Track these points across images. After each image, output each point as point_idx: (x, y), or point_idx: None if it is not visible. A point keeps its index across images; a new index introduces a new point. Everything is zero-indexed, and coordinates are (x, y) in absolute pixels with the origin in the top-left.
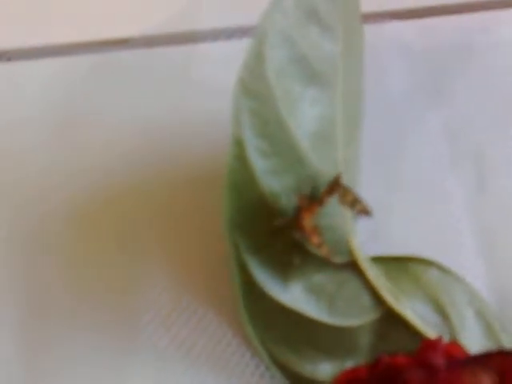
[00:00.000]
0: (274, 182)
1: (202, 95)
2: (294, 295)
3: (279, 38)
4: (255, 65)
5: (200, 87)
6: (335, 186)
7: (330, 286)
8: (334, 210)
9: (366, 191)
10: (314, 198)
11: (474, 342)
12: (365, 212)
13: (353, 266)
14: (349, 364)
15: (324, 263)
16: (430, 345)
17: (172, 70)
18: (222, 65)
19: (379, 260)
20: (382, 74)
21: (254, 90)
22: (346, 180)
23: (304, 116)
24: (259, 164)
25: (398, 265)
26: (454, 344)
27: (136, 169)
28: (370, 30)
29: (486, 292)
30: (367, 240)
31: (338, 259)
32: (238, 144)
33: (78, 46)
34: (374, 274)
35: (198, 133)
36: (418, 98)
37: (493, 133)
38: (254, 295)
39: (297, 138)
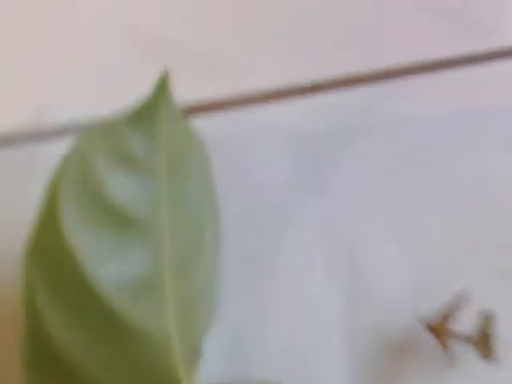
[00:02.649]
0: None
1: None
2: None
3: (76, 187)
4: (48, 219)
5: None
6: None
7: None
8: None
9: (233, 307)
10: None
11: None
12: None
13: None
14: None
15: None
16: None
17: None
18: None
19: None
20: (253, 165)
21: (48, 247)
22: (182, 324)
23: (118, 268)
24: (64, 338)
25: None
26: None
27: None
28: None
29: None
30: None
31: None
32: (32, 317)
33: None
34: None
35: None
36: (293, 190)
37: (366, 227)
38: None
39: (107, 293)
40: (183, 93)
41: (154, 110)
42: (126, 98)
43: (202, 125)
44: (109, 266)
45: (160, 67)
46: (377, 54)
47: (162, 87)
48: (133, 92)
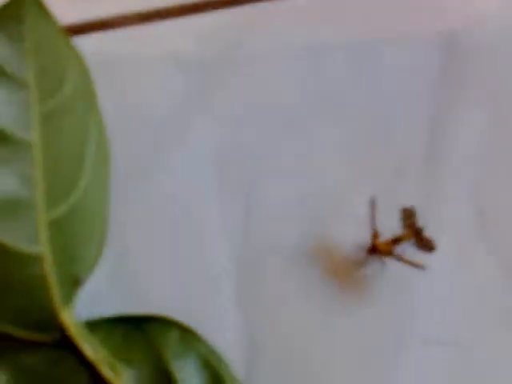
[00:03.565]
0: None
1: None
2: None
3: None
4: None
5: None
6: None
7: (42, 368)
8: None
9: (122, 235)
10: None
11: None
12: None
13: (66, 343)
14: None
15: (35, 344)
16: None
17: None
18: None
19: (109, 323)
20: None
21: None
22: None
23: None
24: None
25: (133, 326)
26: None
27: None
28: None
29: (240, 341)
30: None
31: (47, 337)
32: None
33: None
34: (91, 348)
35: None
36: (184, 114)
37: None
38: None
39: None
40: (65, 13)
41: (20, 10)
42: None
43: (85, 45)
44: None
45: None
46: None
47: None
48: None
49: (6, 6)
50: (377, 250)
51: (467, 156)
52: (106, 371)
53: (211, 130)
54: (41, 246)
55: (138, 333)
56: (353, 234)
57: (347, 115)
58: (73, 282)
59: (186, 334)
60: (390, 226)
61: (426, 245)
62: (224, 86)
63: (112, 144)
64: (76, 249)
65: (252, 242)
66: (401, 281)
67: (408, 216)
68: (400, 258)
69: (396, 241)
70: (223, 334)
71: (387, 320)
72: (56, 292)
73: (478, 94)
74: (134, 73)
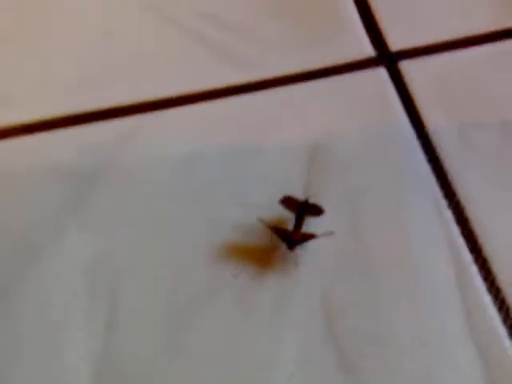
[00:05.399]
0: None
1: None
2: None
3: None
4: None
5: None
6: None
7: None
8: None
9: None
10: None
11: None
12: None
13: None
14: None
15: None
16: None
17: None
18: None
19: None
20: None
21: None
22: None
23: None
24: None
25: None
26: None
27: None
28: None
29: None
30: None
31: None
32: None
33: None
34: None
35: None
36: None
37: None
38: None
39: None
40: None
41: None
42: None
43: None
44: None
45: None
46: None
47: None
48: None
49: None
50: (296, 242)
51: None
52: None
53: (83, 240)
54: None
55: None
56: None
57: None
58: None
59: None
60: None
61: (315, 211)
62: (98, 198)
63: None
64: None
65: (113, 353)
66: None
67: (287, 201)
68: (311, 237)
69: (298, 226)
70: None
71: None
72: None
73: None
74: (10, 183)
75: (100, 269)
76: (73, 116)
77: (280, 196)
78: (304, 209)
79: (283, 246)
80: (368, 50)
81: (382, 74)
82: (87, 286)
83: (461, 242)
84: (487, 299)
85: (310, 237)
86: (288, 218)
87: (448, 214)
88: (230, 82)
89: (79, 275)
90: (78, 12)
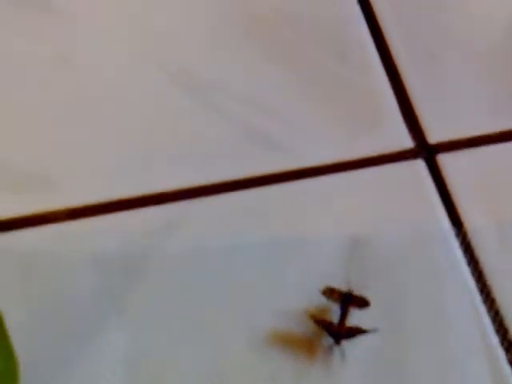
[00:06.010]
0: None
1: None
2: None
3: None
4: None
5: None
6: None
7: None
8: None
9: None
10: None
11: None
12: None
13: None
14: None
15: None
16: None
17: None
18: None
19: None
20: None
21: None
22: None
23: None
24: None
25: None
26: None
27: None
28: None
29: None
30: None
31: None
32: None
33: None
34: None
35: None
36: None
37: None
38: None
39: None
40: None
41: None
42: None
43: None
44: None
45: None
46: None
47: None
48: None
49: None
50: (342, 335)
51: None
52: None
53: (122, 332)
54: None
55: None
56: None
57: None
58: None
59: None
60: None
61: (360, 303)
62: (137, 290)
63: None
64: None
65: None
66: None
67: (330, 292)
68: (359, 332)
69: (343, 319)
70: None
71: None
72: None
73: None
74: (53, 269)
75: (140, 360)
76: (115, 202)
77: (321, 287)
78: (348, 300)
79: (328, 339)
80: (406, 142)
81: (420, 166)
82: (128, 377)
83: (500, 353)
84: None
85: (357, 331)
86: (328, 308)
87: (487, 321)
88: (268, 170)
89: (118, 365)
90: (127, 102)
